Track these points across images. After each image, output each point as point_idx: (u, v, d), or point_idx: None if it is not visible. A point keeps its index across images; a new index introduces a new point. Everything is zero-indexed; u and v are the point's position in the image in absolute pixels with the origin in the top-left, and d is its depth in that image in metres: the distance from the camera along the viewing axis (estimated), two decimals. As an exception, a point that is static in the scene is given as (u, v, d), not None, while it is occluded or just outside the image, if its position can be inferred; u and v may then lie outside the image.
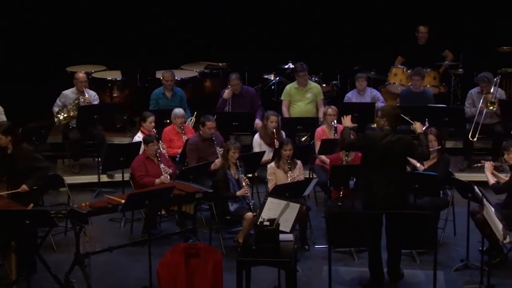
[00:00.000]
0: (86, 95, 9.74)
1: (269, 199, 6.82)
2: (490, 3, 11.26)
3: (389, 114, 7.00)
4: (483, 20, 11.29)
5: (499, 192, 7.49)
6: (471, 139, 9.42)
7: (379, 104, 9.82)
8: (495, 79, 9.63)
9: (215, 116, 9.12)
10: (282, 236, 6.52)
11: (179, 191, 7.53)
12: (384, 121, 6.97)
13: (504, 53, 10.76)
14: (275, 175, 8.08)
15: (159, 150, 8.41)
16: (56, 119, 9.82)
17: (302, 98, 10.13)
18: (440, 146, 7.97)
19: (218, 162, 8.32)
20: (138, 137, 9.05)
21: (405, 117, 7.63)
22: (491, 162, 7.65)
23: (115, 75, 11.07)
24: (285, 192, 7.49)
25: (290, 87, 10.23)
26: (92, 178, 9.68)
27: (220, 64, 11.43)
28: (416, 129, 7.32)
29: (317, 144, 8.88)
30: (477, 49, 11.14)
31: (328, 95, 10.85)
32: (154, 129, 9.06)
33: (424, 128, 9.38)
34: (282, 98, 10.30)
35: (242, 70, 10.75)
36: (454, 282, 7.12)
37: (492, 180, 7.46)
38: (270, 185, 8.03)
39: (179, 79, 10.71)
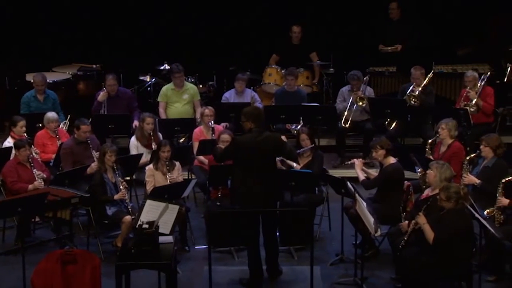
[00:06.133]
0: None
1: (148, 202, 6.78)
2: (362, 4, 11.65)
3: (253, 115, 7.05)
4: (352, 20, 11.68)
5: (369, 187, 7.78)
6: (343, 125, 9.76)
7: (257, 105, 9.97)
8: (364, 78, 10.03)
9: (90, 119, 8.95)
10: (161, 238, 6.50)
11: (54, 196, 7.34)
12: (251, 124, 7.04)
13: (381, 52, 11.17)
14: (153, 177, 8.03)
15: (31, 155, 8.17)
16: None
17: (179, 99, 10.12)
18: (313, 145, 8.20)
19: (94, 165, 8.17)
20: (8, 142, 8.75)
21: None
22: (361, 159, 7.93)
23: (-19, 78, 10.64)
24: (164, 194, 7.46)
25: (167, 88, 10.19)
26: (-41, 187, 9.25)
27: (94, 66, 11.21)
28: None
29: (195, 145, 8.90)
30: (348, 49, 11.53)
31: (205, 95, 10.90)
32: (25, 134, 8.78)
33: (298, 127, 9.72)
34: (158, 99, 10.24)
35: (117, 71, 10.59)
36: (330, 276, 7.33)
37: (362, 177, 7.74)
38: (149, 187, 7.97)
39: (51, 81, 10.41)
